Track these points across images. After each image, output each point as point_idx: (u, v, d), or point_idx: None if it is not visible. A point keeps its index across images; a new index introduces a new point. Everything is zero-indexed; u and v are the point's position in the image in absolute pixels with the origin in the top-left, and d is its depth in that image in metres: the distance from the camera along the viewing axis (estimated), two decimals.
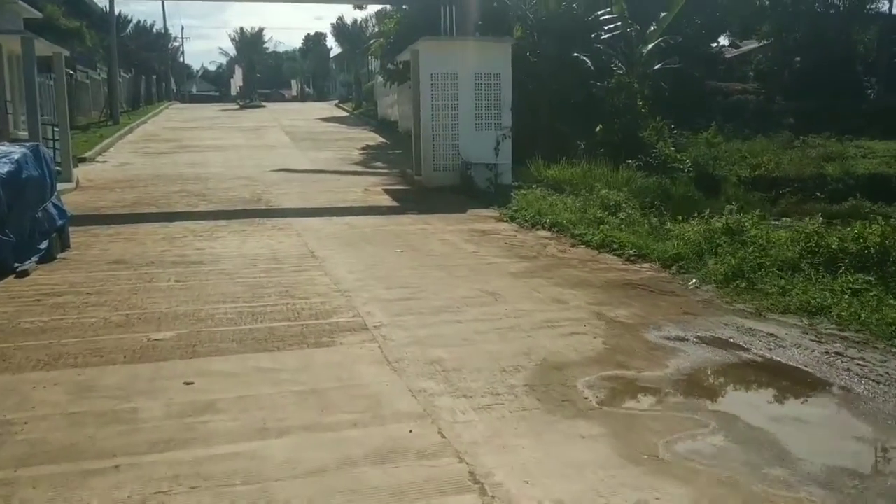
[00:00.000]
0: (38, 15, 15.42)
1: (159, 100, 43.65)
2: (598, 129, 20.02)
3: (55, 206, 9.23)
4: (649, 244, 8.94)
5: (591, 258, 8.99)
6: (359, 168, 20.47)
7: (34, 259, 8.47)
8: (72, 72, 30.05)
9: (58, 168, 16.55)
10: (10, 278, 7.91)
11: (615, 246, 9.23)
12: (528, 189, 14.39)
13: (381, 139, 27.94)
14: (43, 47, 15.11)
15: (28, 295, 7.18)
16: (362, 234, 10.74)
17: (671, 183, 16.76)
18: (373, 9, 36.27)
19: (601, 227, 10.20)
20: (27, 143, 8.95)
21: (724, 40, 41.85)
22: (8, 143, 8.91)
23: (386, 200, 14.52)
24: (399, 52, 27.11)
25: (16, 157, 8.25)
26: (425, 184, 15.90)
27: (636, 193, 12.86)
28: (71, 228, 10.88)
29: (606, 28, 22.67)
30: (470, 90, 15.70)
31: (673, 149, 20.64)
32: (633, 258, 8.76)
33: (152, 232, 10.98)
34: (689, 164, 20.09)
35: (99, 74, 33.13)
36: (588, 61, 21.50)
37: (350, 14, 72.39)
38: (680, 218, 10.03)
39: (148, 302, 6.84)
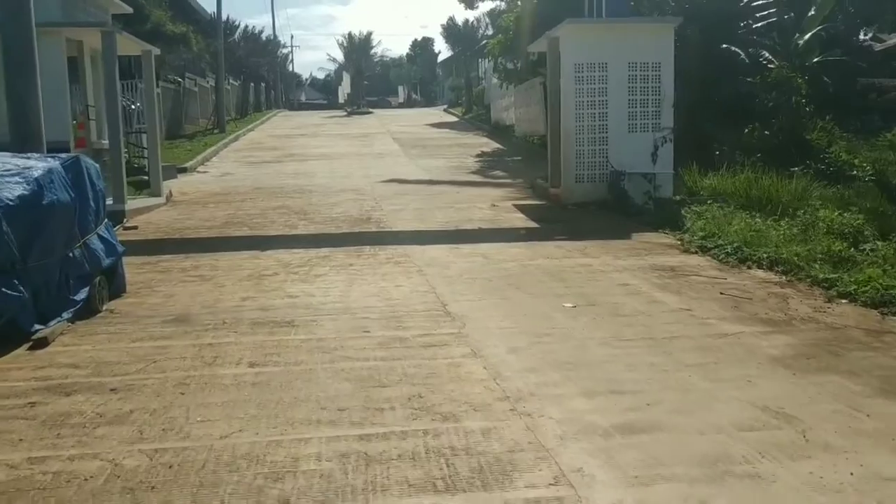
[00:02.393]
0: (129, 10, 13.21)
1: (268, 108, 42.06)
2: (748, 130, 16.41)
3: (102, 238, 6.59)
4: None
5: (880, 328, 5.62)
6: (477, 178, 17.48)
7: (65, 316, 5.83)
8: (180, 79, 28.44)
9: (145, 178, 14.34)
10: (23, 349, 5.28)
11: None
12: (700, 206, 11.03)
13: (496, 145, 24.91)
14: (128, 44, 12.84)
15: (23, 390, 4.47)
16: (505, 273, 7.70)
17: (855, 195, 13.02)
18: (486, 7, 33.37)
19: (855, 267, 6.82)
20: (62, 155, 6.35)
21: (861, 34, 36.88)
22: (37, 155, 6.34)
23: (520, 220, 11.44)
24: (517, 49, 24.14)
25: (35, 174, 5.60)
26: (564, 198, 12.74)
27: (872, 215, 9.27)
28: (141, 259, 8.38)
29: (758, 15, 19.01)
30: (622, 83, 12.43)
31: (848, 154, 16.77)
32: None
33: (237, 265, 8.28)
34: (870, 172, 16.15)
35: (208, 82, 31.47)
36: (741, 53, 17.90)
37: (461, 14, 69.69)
38: None
39: (194, 419, 3.98)
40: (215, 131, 28.34)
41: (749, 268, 7.70)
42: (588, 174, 12.68)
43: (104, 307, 6.39)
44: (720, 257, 8.16)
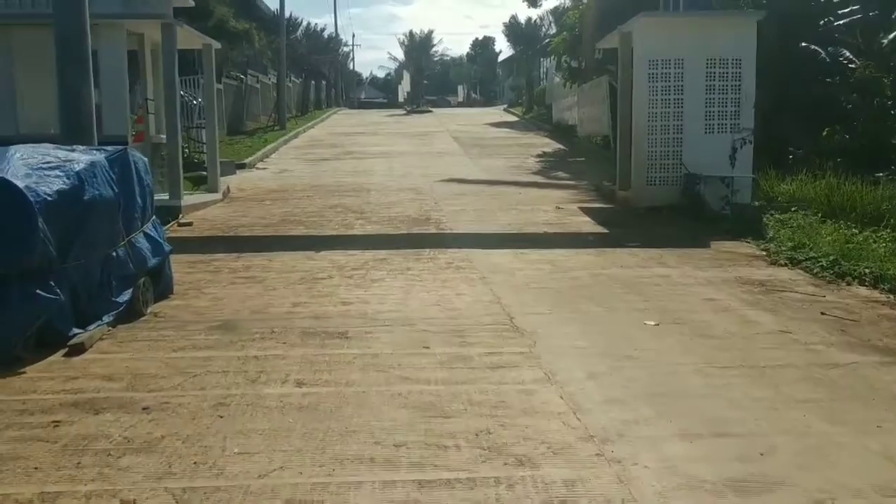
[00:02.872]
0: (190, 3, 12.90)
1: (328, 105, 42.01)
2: (826, 133, 15.32)
3: (148, 237, 6.17)
4: None
5: None
6: (539, 178, 16.78)
7: (106, 320, 5.41)
8: (242, 76, 28.42)
9: (203, 174, 14.08)
10: (59, 356, 4.87)
11: None
12: (782, 213, 10.17)
13: (557, 145, 24.13)
14: (189, 37, 12.57)
15: (50, 405, 4.03)
16: (576, 283, 7.04)
17: None
18: (549, 4, 32.52)
19: None
20: (108, 148, 5.94)
21: None
22: (82, 148, 5.94)
23: (587, 224, 10.74)
24: (582, 47, 23.32)
25: (77, 168, 5.19)
26: (633, 202, 11.97)
27: None
28: (192, 257, 8.00)
29: (840, 13, 17.84)
30: (699, 80, 11.59)
31: None
32: None
33: (290, 267, 7.82)
34: None
35: (270, 79, 31.43)
36: (821, 52, 16.79)
37: (524, 13, 68.13)
38: None
39: (231, 449, 3.45)
40: (276, 128, 28.23)
41: (849, 284, 6.87)
42: (660, 177, 11.89)
43: (148, 310, 5.96)
44: (814, 271, 7.34)
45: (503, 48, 63.29)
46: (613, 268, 7.73)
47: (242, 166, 18.94)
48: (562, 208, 12.07)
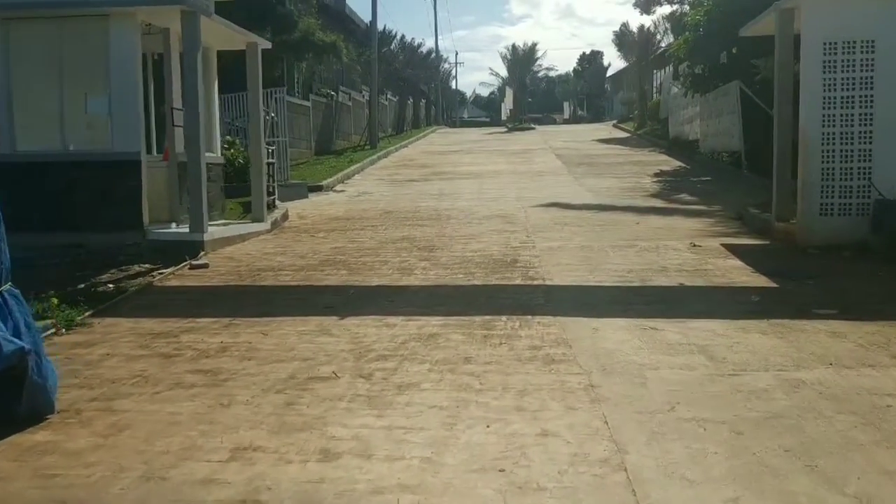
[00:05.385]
0: None
1: (427, 125, 39.50)
2: None
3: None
4: None
5: None
6: (660, 203, 13.31)
7: None
8: (333, 92, 26.22)
9: (248, 203, 11.49)
10: None
11: None
12: None
13: (676, 163, 20.43)
14: (227, 34, 10.01)
15: None
16: (759, 405, 3.73)
17: None
18: (664, 10, 28.73)
19: None
20: None
21: None
22: None
23: (741, 272, 7.29)
24: (707, 50, 19.58)
25: None
26: (800, 237, 8.43)
27: None
28: (160, 324, 5.30)
29: None
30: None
31: None
32: None
33: (287, 348, 4.90)
34: None
35: (363, 96, 29.12)
36: None
37: (635, 21, 63.38)
38: None
39: None
40: (366, 147, 25.84)
41: None
42: (839, 204, 8.31)
43: None
44: None
45: (612, 61, 59.21)
46: (816, 366, 4.37)
47: (319, 189, 16.48)
48: (699, 245, 8.66)
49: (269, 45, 11.05)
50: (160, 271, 7.81)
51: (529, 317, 5.62)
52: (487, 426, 3.52)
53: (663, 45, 32.50)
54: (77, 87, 8.97)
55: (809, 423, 3.52)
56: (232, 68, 12.62)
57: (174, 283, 7.36)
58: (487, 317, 5.63)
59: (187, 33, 8.77)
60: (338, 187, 17.43)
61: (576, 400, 3.86)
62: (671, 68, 28.91)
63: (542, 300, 6.24)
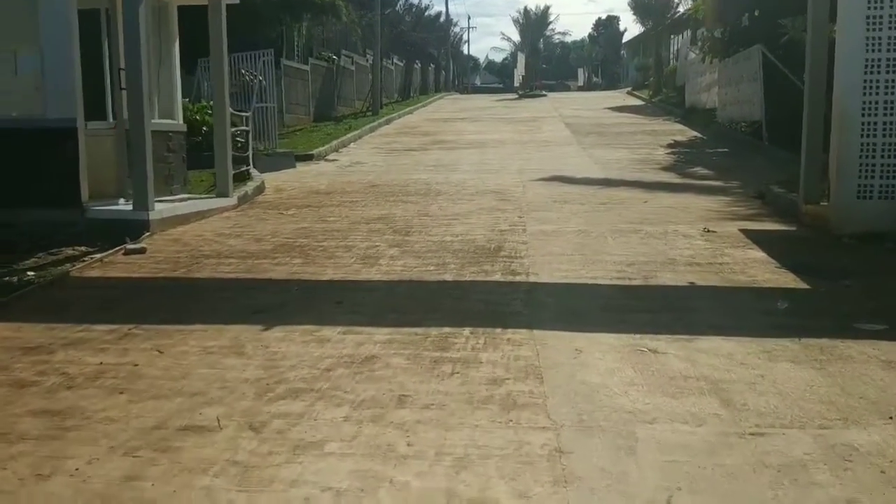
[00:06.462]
0: None
1: (437, 90, 37.93)
2: None
3: None
4: None
5: None
6: (672, 178, 11.99)
7: None
8: (335, 56, 24.83)
9: (244, 169, 10.29)
10: None
11: None
12: None
13: (692, 133, 18.98)
14: None
15: None
16: (795, 494, 2.57)
17: None
18: None
19: None
20: None
21: None
22: None
23: (764, 267, 6.02)
24: (725, 10, 18.01)
25: None
26: (833, 223, 7.14)
27: None
28: (39, 333, 4.16)
29: None
30: None
31: None
32: None
33: (178, 374, 3.75)
34: None
35: (367, 60, 27.66)
36: None
37: None
38: None
39: None
40: (368, 113, 24.52)
41: None
42: (881, 185, 7.00)
43: None
44: None
45: (628, 26, 56.86)
46: (871, 419, 3.15)
47: (308, 158, 15.27)
48: (713, 231, 7.39)
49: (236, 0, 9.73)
50: (92, 256, 6.70)
51: (499, 330, 4.43)
52: None
53: (681, 9, 30.74)
54: (4, 45, 7.77)
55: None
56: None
57: (95, 273, 6.23)
58: (446, 329, 4.44)
59: None
60: (330, 156, 16.20)
61: (533, 479, 2.68)
62: (689, 33, 27.26)
63: (520, 305, 5.04)
